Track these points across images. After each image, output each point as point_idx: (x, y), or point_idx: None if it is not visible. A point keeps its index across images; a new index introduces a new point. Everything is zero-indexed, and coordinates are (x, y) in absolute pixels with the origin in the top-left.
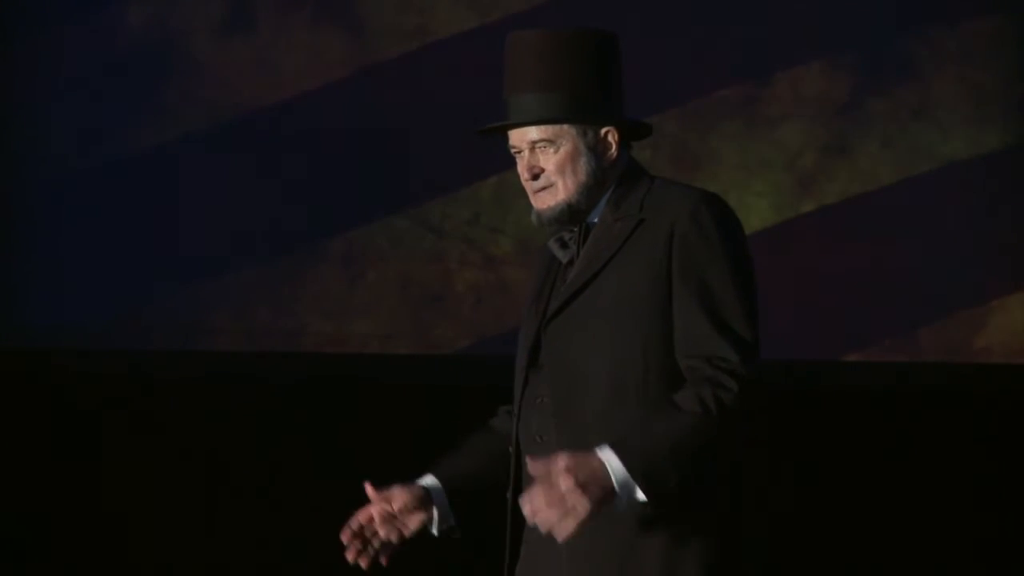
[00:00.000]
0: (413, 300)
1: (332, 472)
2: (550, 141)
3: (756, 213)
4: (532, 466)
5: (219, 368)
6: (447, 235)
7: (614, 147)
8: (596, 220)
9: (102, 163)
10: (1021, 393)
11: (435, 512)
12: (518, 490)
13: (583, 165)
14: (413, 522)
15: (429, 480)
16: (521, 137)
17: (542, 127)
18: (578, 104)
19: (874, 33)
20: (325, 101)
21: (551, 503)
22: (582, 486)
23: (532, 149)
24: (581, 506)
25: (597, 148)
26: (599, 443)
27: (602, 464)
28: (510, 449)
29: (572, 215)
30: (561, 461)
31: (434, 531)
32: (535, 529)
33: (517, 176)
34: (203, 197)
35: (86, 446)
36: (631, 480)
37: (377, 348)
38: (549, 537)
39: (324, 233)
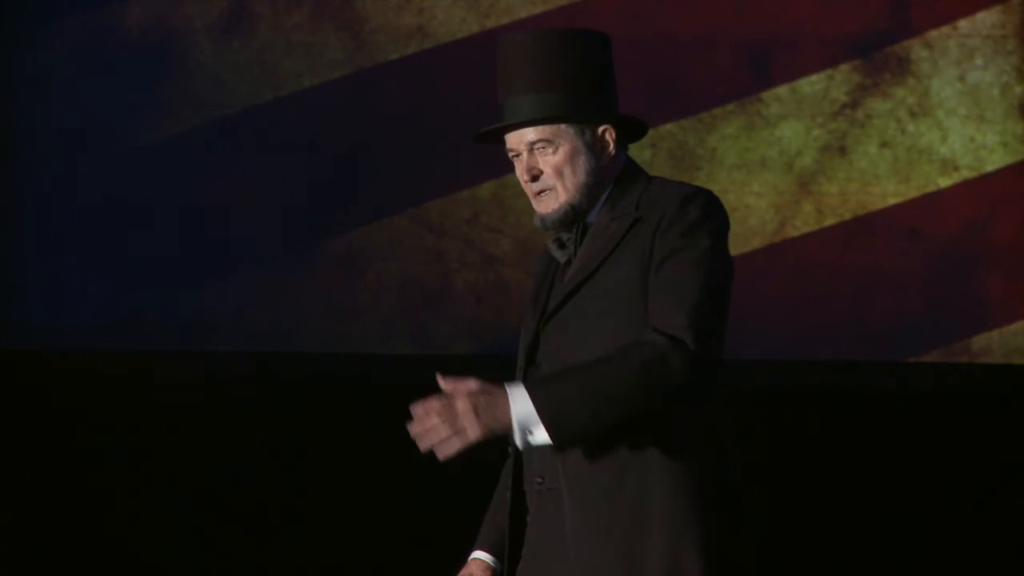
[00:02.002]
0: (413, 300)
1: (332, 472)
2: (548, 141)
3: (756, 213)
4: (443, 382)
5: (219, 368)
6: (447, 235)
7: (612, 145)
8: (593, 220)
9: (102, 162)
10: (1021, 393)
11: None
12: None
13: (582, 164)
14: None
15: (485, 556)
16: (519, 139)
17: (540, 127)
18: (575, 103)
19: (874, 33)
20: (325, 101)
21: (444, 419)
22: (479, 413)
23: (530, 151)
24: (471, 432)
25: (595, 147)
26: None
27: (507, 400)
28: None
29: (575, 216)
30: (471, 384)
31: None
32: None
33: (517, 176)
34: (202, 197)
35: (86, 447)
36: (534, 421)
37: (377, 348)
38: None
39: (324, 233)
